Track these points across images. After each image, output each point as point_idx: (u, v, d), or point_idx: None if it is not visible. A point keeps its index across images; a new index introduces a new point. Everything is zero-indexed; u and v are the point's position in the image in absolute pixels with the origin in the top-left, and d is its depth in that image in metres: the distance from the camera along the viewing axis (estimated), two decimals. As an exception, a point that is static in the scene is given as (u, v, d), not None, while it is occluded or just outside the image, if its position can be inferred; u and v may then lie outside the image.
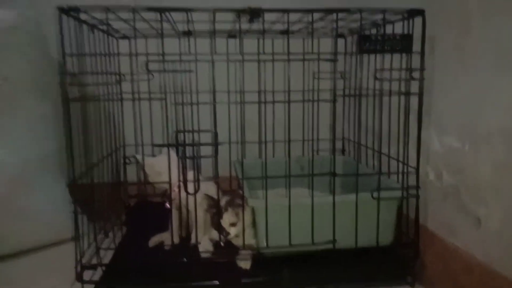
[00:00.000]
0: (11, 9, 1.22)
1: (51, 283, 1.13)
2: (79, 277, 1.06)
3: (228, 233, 1.10)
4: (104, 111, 1.31)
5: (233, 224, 1.11)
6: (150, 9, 0.99)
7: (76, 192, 1.11)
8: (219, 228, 1.11)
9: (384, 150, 1.25)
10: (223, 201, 1.13)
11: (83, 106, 1.12)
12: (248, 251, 1.12)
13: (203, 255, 1.15)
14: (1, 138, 1.22)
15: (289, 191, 1.08)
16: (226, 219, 1.10)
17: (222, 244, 1.13)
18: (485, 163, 0.91)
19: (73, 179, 1.06)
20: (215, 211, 1.12)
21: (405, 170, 1.12)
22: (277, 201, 1.10)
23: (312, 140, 1.47)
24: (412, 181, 1.11)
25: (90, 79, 1.14)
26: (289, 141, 1.11)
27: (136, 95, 1.34)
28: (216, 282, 1.06)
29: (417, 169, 1.10)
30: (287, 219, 1.06)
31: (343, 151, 1.63)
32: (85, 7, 0.98)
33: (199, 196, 1.09)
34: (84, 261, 1.08)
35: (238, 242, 1.14)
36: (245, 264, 1.11)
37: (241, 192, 1.14)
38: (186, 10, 1.01)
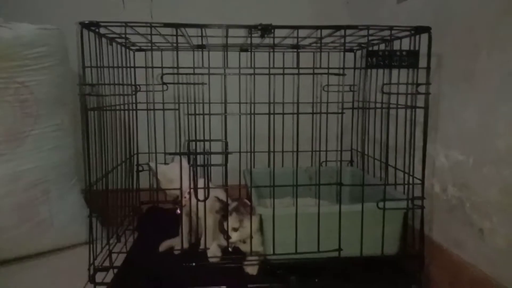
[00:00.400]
0: (34, 23, 1.28)
1: (65, 285, 1.18)
2: (91, 279, 1.09)
3: (229, 237, 1.13)
4: (119, 121, 1.36)
5: (235, 229, 1.14)
6: (167, 24, 1.03)
7: (91, 198, 1.16)
8: (224, 232, 1.14)
9: (391, 162, 1.28)
10: (230, 207, 1.16)
11: (100, 116, 1.17)
12: (255, 257, 1.15)
13: (211, 260, 1.18)
14: (21, 146, 1.28)
15: (296, 200, 1.11)
16: (229, 223, 1.14)
17: (230, 250, 1.16)
18: (490, 180, 0.93)
19: (89, 186, 1.10)
20: (223, 214, 1.15)
21: (411, 182, 1.15)
22: (284, 209, 1.12)
23: (320, 151, 1.50)
24: (417, 193, 1.13)
25: (108, 90, 1.19)
26: (297, 150, 1.14)
27: (151, 106, 1.39)
28: (224, 287, 1.09)
29: (423, 180, 1.12)
30: (294, 227, 1.09)
31: (351, 162, 1.66)
32: (106, 23, 1.03)
33: (209, 201, 1.13)
34: (96, 263, 1.12)
35: (245, 248, 1.17)
36: (252, 270, 1.14)
37: (248, 200, 1.18)
38: (201, 26, 1.06)
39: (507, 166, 0.88)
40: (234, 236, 1.14)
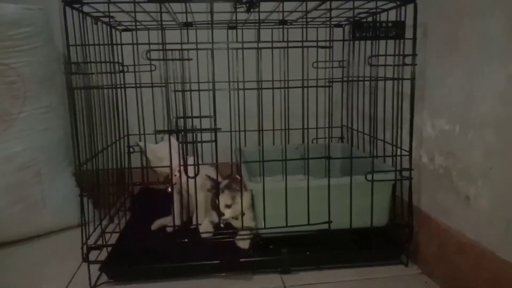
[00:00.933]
0: (18, 3, 1.27)
1: (59, 265, 1.19)
2: (85, 258, 1.10)
3: (222, 214, 1.14)
4: (108, 101, 1.36)
5: (228, 206, 1.15)
6: (151, 0, 1.03)
7: (83, 180, 1.16)
8: (217, 209, 1.15)
9: (380, 135, 1.29)
10: (222, 184, 1.17)
11: (88, 95, 1.16)
12: (247, 232, 1.16)
13: (204, 235, 1.19)
14: (10, 128, 1.28)
15: (285, 174, 1.12)
16: (222, 200, 1.15)
17: (222, 225, 1.17)
18: (474, 145, 0.94)
19: (79, 166, 1.11)
20: (215, 192, 1.16)
21: (399, 154, 1.16)
22: (274, 183, 1.13)
23: (309, 128, 1.50)
24: (406, 164, 1.14)
25: (94, 69, 1.19)
26: (287, 127, 1.15)
27: (139, 84, 1.38)
28: (216, 262, 1.10)
29: (410, 152, 1.13)
30: (284, 201, 1.11)
31: (341, 138, 1.67)
32: (88, 0, 1.02)
33: (199, 179, 1.13)
34: (90, 243, 1.13)
35: (237, 224, 1.18)
36: (243, 244, 1.15)
37: (239, 177, 1.18)
38: (185, 1, 1.05)
39: (489, 129, 0.90)
40: (227, 213, 1.15)
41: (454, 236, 1.01)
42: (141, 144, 1.31)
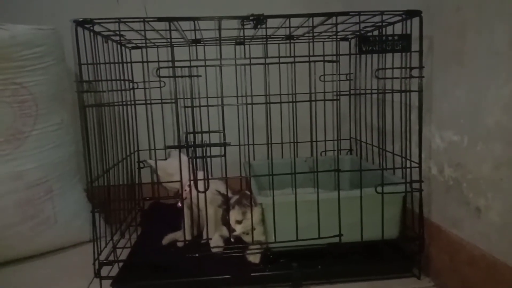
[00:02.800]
0: (30, 23, 1.30)
1: (71, 281, 1.20)
2: (97, 273, 1.11)
3: (233, 230, 1.15)
4: (118, 117, 1.38)
5: (238, 222, 1.15)
6: (160, 19, 1.05)
7: (94, 195, 1.18)
8: (227, 224, 1.15)
9: (389, 147, 1.29)
10: (232, 200, 1.18)
11: (99, 112, 1.18)
12: (257, 246, 1.16)
13: (214, 250, 1.19)
14: (22, 146, 1.30)
15: (295, 187, 1.12)
16: (233, 216, 1.15)
17: (232, 240, 1.18)
18: (483, 157, 0.94)
19: (90, 182, 1.12)
20: (225, 208, 1.17)
21: (408, 165, 1.16)
22: (284, 197, 1.14)
23: (317, 141, 1.51)
24: (415, 176, 1.14)
25: (105, 87, 1.21)
26: (296, 140, 1.15)
27: (149, 101, 1.40)
28: (227, 276, 1.10)
29: (420, 164, 1.13)
30: (294, 214, 1.11)
31: (350, 151, 1.67)
32: (99, 20, 1.05)
33: (209, 193, 1.14)
34: (102, 258, 1.13)
35: (248, 239, 1.19)
36: (254, 258, 1.15)
37: (249, 192, 1.19)
38: (194, 19, 1.07)
39: (496, 142, 0.90)
40: (238, 229, 1.15)
41: (466, 248, 1.00)
42: (151, 162, 1.32)
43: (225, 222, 1.17)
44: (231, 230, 1.15)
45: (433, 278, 1.13)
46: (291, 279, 1.12)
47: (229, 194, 1.20)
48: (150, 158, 1.50)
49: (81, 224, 1.43)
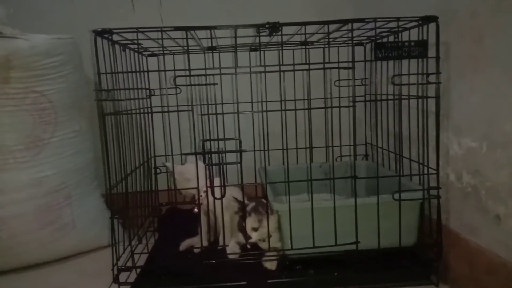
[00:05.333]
0: (47, 32, 1.33)
1: (89, 287, 1.22)
2: (115, 279, 1.13)
3: (249, 237, 1.15)
4: (136, 124, 1.40)
5: (254, 229, 1.16)
6: (177, 28, 1.06)
7: (111, 201, 1.19)
8: (244, 231, 1.16)
9: (406, 153, 1.28)
10: (248, 207, 1.18)
11: (117, 120, 1.20)
12: (274, 253, 1.17)
13: (231, 257, 1.20)
14: (42, 153, 1.32)
15: (311, 194, 1.12)
16: (249, 224, 1.16)
17: (248, 247, 1.18)
18: (502, 164, 0.93)
19: (109, 188, 1.14)
20: (242, 214, 1.17)
21: (426, 172, 1.15)
22: (300, 203, 1.14)
23: (333, 146, 1.51)
24: (433, 182, 1.13)
25: (123, 95, 1.23)
26: (311, 146, 1.15)
27: (165, 108, 1.42)
28: (244, 283, 1.11)
29: (437, 170, 1.12)
30: (310, 221, 1.11)
31: (366, 156, 1.66)
32: (118, 29, 1.06)
33: (225, 200, 1.15)
34: (120, 264, 1.15)
35: (264, 245, 1.19)
36: (271, 265, 1.16)
37: (265, 201, 1.19)
38: (210, 28, 1.08)
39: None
40: (254, 236, 1.16)
41: (485, 256, 0.99)
42: (168, 164, 1.34)
43: (242, 228, 1.18)
44: (247, 237, 1.16)
45: (451, 286, 1.12)
46: (308, 286, 1.12)
47: (245, 201, 1.20)
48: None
49: (99, 230, 1.45)
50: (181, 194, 1.38)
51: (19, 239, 1.29)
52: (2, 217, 1.27)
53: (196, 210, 1.27)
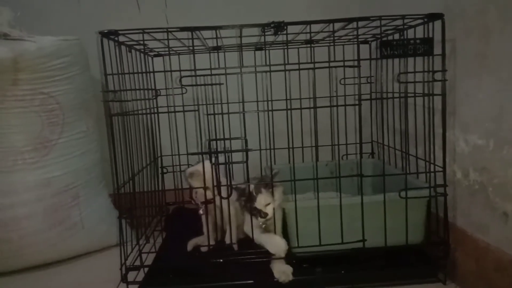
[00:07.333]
0: (53, 34, 1.34)
1: (98, 286, 1.23)
2: (124, 278, 1.14)
3: (266, 213, 1.15)
4: (142, 125, 1.41)
5: (267, 204, 1.15)
6: (183, 28, 1.07)
7: (119, 201, 1.20)
8: (256, 214, 1.15)
9: (412, 151, 1.28)
10: (252, 188, 1.17)
11: (124, 121, 1.21)
12: (289, 267, 1.13)
13: (235, 247, 1.22)
14: (50, 154, 1.33)
15: (317, 192, 1.12)
16: (262, 200, 1.15)
17: (263, 226, 1.18)
18: (510, 161, 0.93)
19: (117, 188, 1.15)
20: (245, 199, 1.18)
21: (432, 170, 1.15)
22: (306, 201, 1.14)
23: (339, 145, 1.51)
24: (439, 180, 1.13)
25: (129, 96, 1.24)
26: (317, 144, 1.16)
27: (171, 108, 1.42)
28: (251, 281, 1.11)
29: (444, 168, 1.12)
30: (316, 219, 1.11)
31: (372, 154, 1.66)
32: (124, 31, 1.07)
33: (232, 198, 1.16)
34: (128, 263, 1.16)
35: (269, 226, 1.19)
36: (286, 276, 1.11)
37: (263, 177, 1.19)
38: (215, 28, 1.09)
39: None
40: (270, 210, 1.15)
41: (492, 253, 0.99)
42: (191, 169, 1.31)
43: (253, 211, 1.16)
44: (263, 214, 1.15)
45: (459, 284, 1.12)
46: (315, 284, 1.12)
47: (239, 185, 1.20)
48: (173, 164, 1.53)
49: (107, 229, 1.46)
50: (195, 195, 1.36)
51: (29, 239, 1.30)
52: (13, 218, 1.29)
53: (201, 212, 1.27)
